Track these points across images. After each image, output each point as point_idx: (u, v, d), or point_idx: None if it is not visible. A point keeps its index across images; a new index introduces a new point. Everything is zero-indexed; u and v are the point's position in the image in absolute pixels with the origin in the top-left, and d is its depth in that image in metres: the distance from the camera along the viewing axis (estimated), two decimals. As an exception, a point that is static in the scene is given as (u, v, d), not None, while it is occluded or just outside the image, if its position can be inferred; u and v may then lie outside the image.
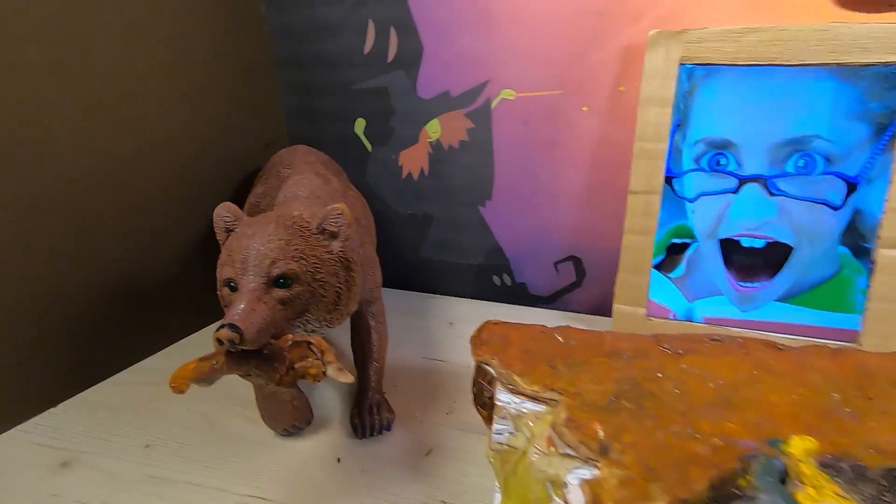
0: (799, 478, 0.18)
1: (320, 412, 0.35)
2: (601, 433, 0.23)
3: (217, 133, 0.47)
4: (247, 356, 0.23)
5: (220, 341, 0.22)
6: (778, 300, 0.41)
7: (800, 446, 0.19)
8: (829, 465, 0.19)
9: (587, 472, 0.22)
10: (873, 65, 0.37)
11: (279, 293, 0.24)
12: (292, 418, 0.33)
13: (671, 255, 0.43)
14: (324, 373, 0.23)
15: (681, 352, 0.28)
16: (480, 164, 0.49)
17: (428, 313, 0.50)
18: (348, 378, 0.23)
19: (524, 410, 0.26)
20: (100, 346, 0.39)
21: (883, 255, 0.38)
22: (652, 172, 0.42)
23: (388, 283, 0.56)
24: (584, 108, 0.45)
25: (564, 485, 0.21)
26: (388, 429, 0.33)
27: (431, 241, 0.54)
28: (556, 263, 0.50)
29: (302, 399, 0.33)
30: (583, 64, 0.44)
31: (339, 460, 0.31)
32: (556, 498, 0.21)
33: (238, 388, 0.38)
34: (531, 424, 0.25)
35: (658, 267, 0.43)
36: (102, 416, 0.35)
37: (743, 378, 0.26)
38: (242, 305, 0.23)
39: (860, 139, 0.38)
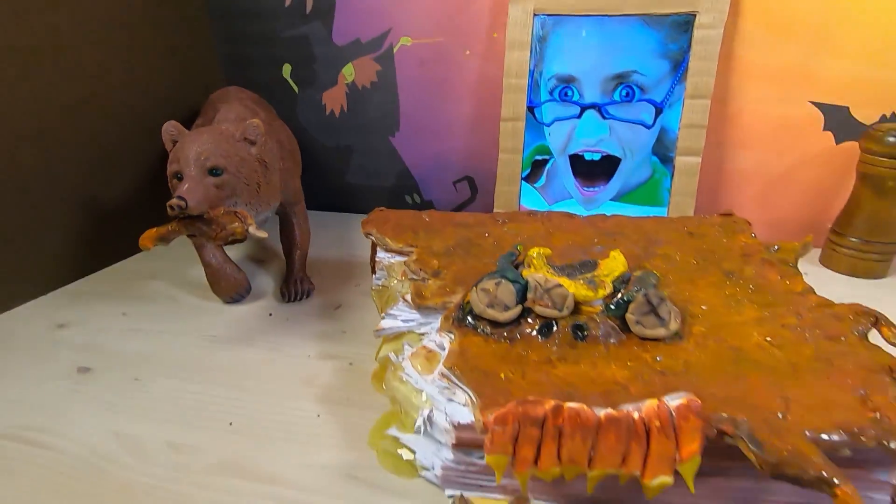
0: (528, 263, 0.30)
1: (257, 288, 0.46)
2: (436, 264, 0.35)
3: (161, 78, 0.55)
4: (192, 220, 0.34)
5: (171, 207, 0.32)
6: (612, 200, 0.54)
7: (535, 250, 0.31)
8: (553, 264, 0.31)
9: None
10: (669, 14, 0.48)
11: (212, 179, 0.35)
12: (234, 289, 0.44)
13: (535, 169, 0.55)
14: (246, 231, 0.34)
15: (506, 221, 0.40)
16: (388, 101, 0.59)
17: (352, 227, 0.61)
18: (263, 234, 0.34)
19: (392, 261, 0.37)
20: (77, 250, 0.48)
21: (680, 161, 0.51)
22: (517, 103, 0.53)
23: (318, 206, 0.66)
24: (467, 52, 0.56)
25: (407, 292, 0.33)
26: (309, 295, 0.45)
27: (353, 168, 0.64)
28: (454, 182, 0.62)
29: (241, 274, 0.44)
30: (464, 15, 0.54)
31: (270, 314, 0.43)
32: (400, 298, 0.33)
33: (193, 277, 0.48)
34: (395, 268, 0.37)
35: (526, 179, 0.55)
36: (85, 299, 0.45)
37: (541, 233, 0.39)
38: (187, 185, 0.33)
39: (663, 73, 0.50)
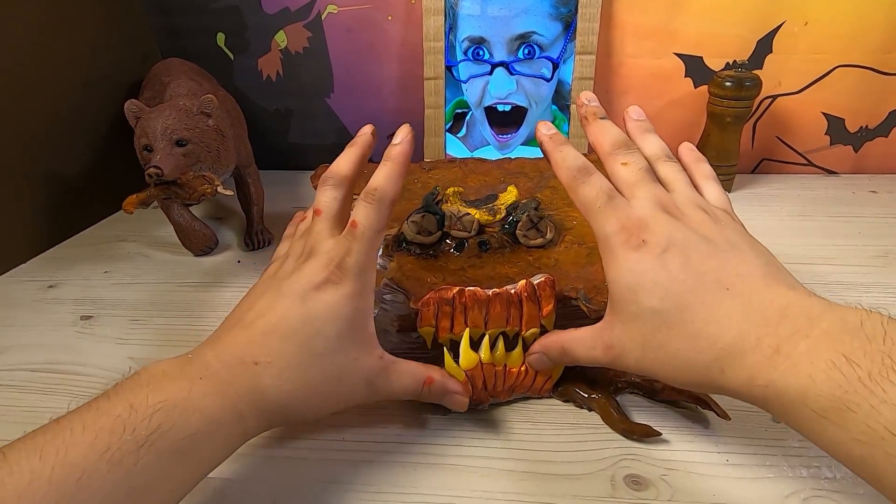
0: (446, 199, 0.40)
1: (221, 241, 0.53)
2: (375, 207, 0.43)
3: (98, 53, 0.58)
4: (167, 185, 0.40)
5: (149, 175, 0.39)
6: (522, 144, 0.64)
7: (451, 189, 0.41)
8: (465, 199, 0.41)
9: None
10: (558, -18, 0.57)
11: (179, 150, 0.41)
12: (204, 242, 0.51)
13: (456, 121, 0.64)
14: (215, 190, 0.41)
15: (431, 168, 0.49)
16: (321, 65, 0.65)
17: (299, 183, 0.68)
18: (230, 192, 0.42)
19: (340, 207, 0.45)
20: (46, 220, 0.53)
21: (574, 108, 0.61)
22: (437, 63, 0.61)
23: (266, 165, 0.72)
24: (389, 17, 0.62)
25: None
26: (270, 244, 0.52)
27: (295, 129, 0.70)
28: (388, 136, 0.69)
29: (209, 229, 0.51)
30: (383, -17, 0.60)
31: (238, 261, 0.50)
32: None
33: (160, 236, 0.54)
34: (343, 213, 0.45)
35: (449, 130, 0.64)
36: (64, 263, 0.51)
37: (459, 176, 0.48)
38: (159, 156, 0.39)
39: (557, 33, 0.59)
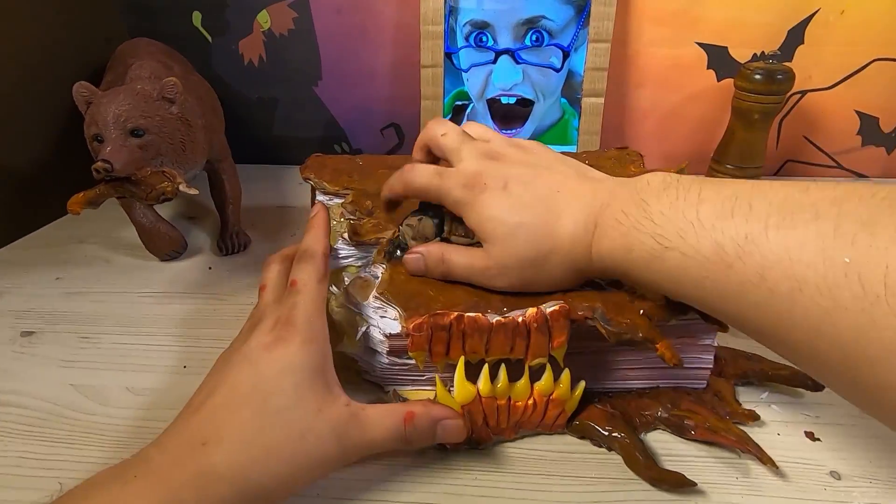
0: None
1: (193, 244, 0.48)
2: (369, 204, 0.38)
3: (59, 32, 0.52)
4: (120, 182, 0.34)
5: (97, 171, 0.33)
6: (527, 141, 0.58)
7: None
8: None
9: (358, 224, 0.36)
10: (572, -40, 0.51)
11: (135, 141, 0.35)
12: (170, 246, 0.45)
13: (456, 114, 0.58)
14: (176, 190, 0.35)
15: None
16: (308, 50, 0.59)
17: (282, 179, 0.62)
18: (195, 191, 0.36)
19: (330, 204, 0.40)
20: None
21: (586, 102, 0.55)
22: (435, 50, 0.55)
23: (247, 159, 0.66)
24: (383, -2, 0.56)
25: (345, 231, 0.36)
26: (246, 248, 0.47)
27: (279, 120, 0.64)
28: (381, 130, 0.64)
29: (176, 231, 0.45)
30: (377, -41, 0.54)
31: (210, 268, 0.44)
32: (339, 237, 0.36)
33: (125, 238, 0.49)
34: (334, 210, 0.40)
35: (448, 124, 0.58)
36: (13, 267, 0.45)
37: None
38: (110, 147, 0.34)
39: (569, 18, 0.53)
